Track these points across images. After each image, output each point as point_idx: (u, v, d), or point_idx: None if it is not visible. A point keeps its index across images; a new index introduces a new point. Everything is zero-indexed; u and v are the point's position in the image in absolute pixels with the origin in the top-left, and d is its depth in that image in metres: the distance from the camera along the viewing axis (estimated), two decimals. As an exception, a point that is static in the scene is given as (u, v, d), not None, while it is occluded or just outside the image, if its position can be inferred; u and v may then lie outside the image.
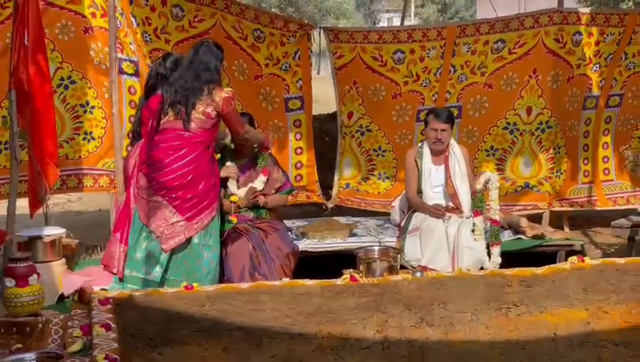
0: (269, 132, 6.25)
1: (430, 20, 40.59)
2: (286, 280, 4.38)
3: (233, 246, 5.28)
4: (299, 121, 7.50)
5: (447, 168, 5.98)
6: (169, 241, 4.91)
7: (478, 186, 5.70)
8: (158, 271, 4.90)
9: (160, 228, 4.90)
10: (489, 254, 5.66)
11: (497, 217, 5.70)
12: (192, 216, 4.95)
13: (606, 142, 7.97)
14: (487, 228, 5.79)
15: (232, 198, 5.58)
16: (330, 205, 7.56)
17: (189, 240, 4.97)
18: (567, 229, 7.81)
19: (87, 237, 7.08)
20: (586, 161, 7.92)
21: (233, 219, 5.50)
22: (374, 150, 7.75)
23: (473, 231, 5.76)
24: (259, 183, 5.64)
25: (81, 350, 3.32)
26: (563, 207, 7.86)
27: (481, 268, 5.35)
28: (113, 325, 3.53)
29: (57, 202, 9.73)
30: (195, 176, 4.94)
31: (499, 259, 5.64)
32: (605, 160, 7.99)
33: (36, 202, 5.70)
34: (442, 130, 5.93)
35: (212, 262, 5.05)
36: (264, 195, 5.67)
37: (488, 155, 7.73)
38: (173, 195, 4.91)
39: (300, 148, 7.58)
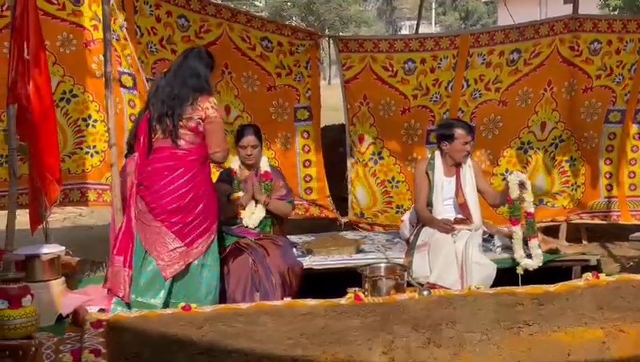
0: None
1: (452, 28, 40.57)
2: (288, 299, 4.23)
3: (234, 263, 5.18)
4: (307, 133, 7.33)
5: (458, 178, 5.87)
6: (168, 269, 4.77)
7: (514, 195, 5.62)
8: (162, 295, 4.78)
9: (161, 254, 4.77)
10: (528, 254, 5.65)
11: (532, 209, 5.67)
12: (192, 241, 4.81)
13: (634, 159, 7.64)
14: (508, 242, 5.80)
15: (234, 196, 5.51)
16: (344, 220, 7.39)
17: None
18: (584, 241, 7.64)
19: (95, 252, 6.96)
20: (608, 175, 7.65)
21: (235, 195, 5.50)
22: (389, 181, 7.50)
23: (492, 243, 5.92)
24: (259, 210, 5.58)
25: (70, 376, 3.23)
26: (582, 219, 7.64)
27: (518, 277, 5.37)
28: (104, 350, 3.43)
29: (68, 216, 9.70)
30: (194, 196, 4.80)
31: (540, 251, 5.64)
32: (631, 175, 7.69)
33: (37, 218, 5.62)
34: (470, 142, 5.87)
35: (212, 282, 4.92)
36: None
37: (504, 179, 7.28)
38: (173, 220, 4.77)
39: (309, 160, 7.40)
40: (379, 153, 7.44)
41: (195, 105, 4.80)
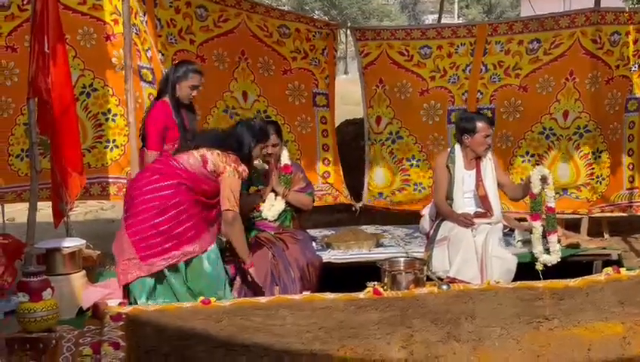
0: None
1: (476, 21, 40.40)
2: (307, 293, 4.23)
3: (254, 256, 5.14)
4: (325, 118, 7.48)
5: (478, 171, 5.84)
6: (121, 276, 4.60)
7: (536, 190, 5.58)
8: (144, 297, 4.60)
9: (118, 261, 4.64)
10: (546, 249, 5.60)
11: (553, 204, 5.62)
12: (146, 257, 4.55)
13: None
14: (528, 237, 5.75)
15: (253, 188, 5.52)
16: (358, 205, 7.47)
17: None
18: (607, 235, 7.57)
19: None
20: (631, 166, 7.55)
21: (253, 188, 5.51)
22: (407, 159, 7.59)
23: (513, 236, 5.91)
24: (279, 202, 5.58)
25: (90, 369, 3.25)
26: (604, 212, 7.55)
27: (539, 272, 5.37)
28: (123, 343, 3.46)
29: (90, 210, 9.76)
30: (162, 212, 4.57)
31: (558, 247, 5.59)
32: None
33: (59, 212, 5.65)
34: (491, 135, 5.86)
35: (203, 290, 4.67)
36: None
37: (524, 161, 7.46)
38: (134, 228, 4.57)
39: (327, 145, 7.53)
40: (397, 133, 7.57)
41: (223, 155, 4.77)
